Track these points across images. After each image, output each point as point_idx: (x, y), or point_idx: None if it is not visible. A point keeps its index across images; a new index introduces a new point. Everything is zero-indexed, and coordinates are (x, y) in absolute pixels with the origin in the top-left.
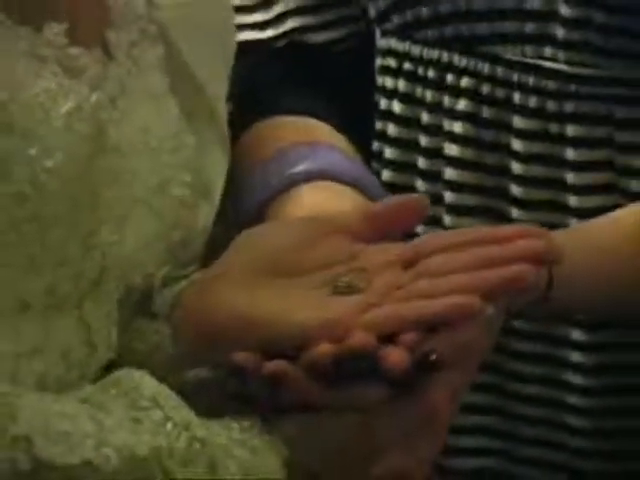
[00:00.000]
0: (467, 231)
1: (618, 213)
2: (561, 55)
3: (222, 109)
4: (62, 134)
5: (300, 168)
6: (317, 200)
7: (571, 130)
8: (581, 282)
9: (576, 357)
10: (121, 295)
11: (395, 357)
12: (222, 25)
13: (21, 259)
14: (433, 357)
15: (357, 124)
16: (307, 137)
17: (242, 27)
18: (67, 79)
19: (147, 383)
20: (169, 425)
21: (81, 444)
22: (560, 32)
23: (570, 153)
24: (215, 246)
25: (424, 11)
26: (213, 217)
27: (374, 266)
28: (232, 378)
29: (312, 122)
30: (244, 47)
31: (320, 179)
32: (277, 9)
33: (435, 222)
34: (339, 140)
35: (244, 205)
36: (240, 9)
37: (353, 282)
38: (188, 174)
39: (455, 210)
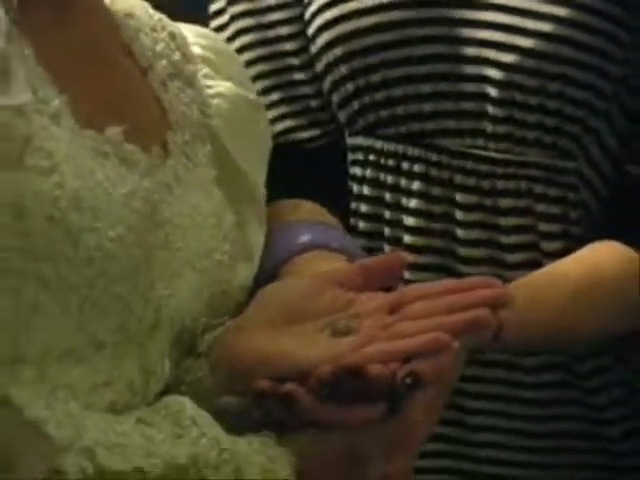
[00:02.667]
0: (439, 283)
1: (557, 269)
2: (491, 145)
3: (261, 192)
4: (122, 211)
5: (303, 239)
6: (316, 262)
7: (501, 202)
8: (526, 327)
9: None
10: (174, 336)
11: (377, 369)
12: (260, 128)
13: (94, 308)
14: (415, 375)
15: (336, 204)
16: (302, 216)
17: None
18: (124, 169)
19: (188, 407)
20: (204, 440)
21: (134, 454)
22: (489, 127)
23: (502, 220)
24: None
25: (383, 114)
26: (252, 277)
27: (365, 312)
28: (255, 402)
29: (303, 203)
30: None
31: (317, 248)
32: (271, 114)
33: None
34: (327, 216)
35: (262, 266)
36: None
37: (349, 325)
38: (228, 244)
39: (414, 267)
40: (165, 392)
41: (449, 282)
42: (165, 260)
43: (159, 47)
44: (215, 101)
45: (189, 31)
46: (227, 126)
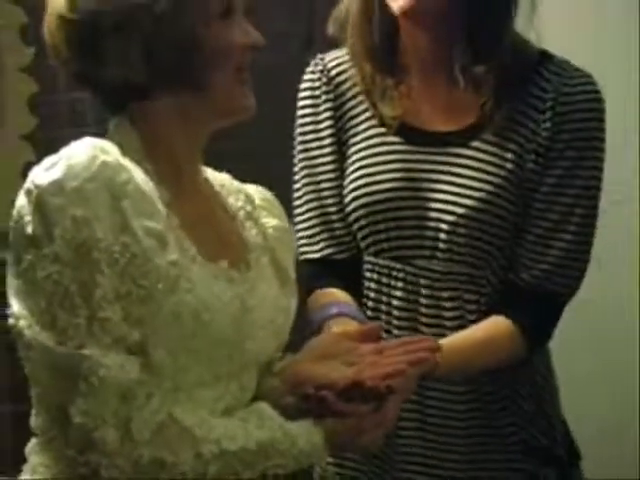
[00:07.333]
0: (402, 339)
1: (475, 328)
2: (440, 263)
3: (294, 279)
4: (228, 307)
5: (333, 311)
6: (338, 325)
7: (443, 293)
8: (452, 364)
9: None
10: (257, 368)
11: (370, 383)
12: (292, 244)
13: (214, 358)
14: (390, 387)
15: (355, 293)
16: (333, 298)
17: (306, 252)
18: (229, 283)
19: (267, 409)
20: (276, 427)
21: (239, 439)
22: (439, 254)
23: (445, 303)
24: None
25: (384, 245)
26: (291, 327)
27: (364, 353)
28: (303, 401)
29: (334, 291)
30: (306, 259)
31: (341, 316)
32: (321, 245)
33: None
34: (348, 298)
35: (311, 326)
36: (306, 244)
37: (354, 361)
38: (282, 312)
39: (400, 328)
40: (254, 399)
41: (407, 338)
42: (250, 328)
43: (239, 203)
44: (269, 231)
45: (253, 190)
46: (276, 245)
